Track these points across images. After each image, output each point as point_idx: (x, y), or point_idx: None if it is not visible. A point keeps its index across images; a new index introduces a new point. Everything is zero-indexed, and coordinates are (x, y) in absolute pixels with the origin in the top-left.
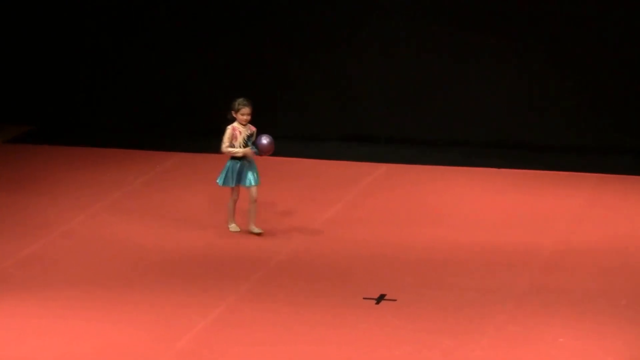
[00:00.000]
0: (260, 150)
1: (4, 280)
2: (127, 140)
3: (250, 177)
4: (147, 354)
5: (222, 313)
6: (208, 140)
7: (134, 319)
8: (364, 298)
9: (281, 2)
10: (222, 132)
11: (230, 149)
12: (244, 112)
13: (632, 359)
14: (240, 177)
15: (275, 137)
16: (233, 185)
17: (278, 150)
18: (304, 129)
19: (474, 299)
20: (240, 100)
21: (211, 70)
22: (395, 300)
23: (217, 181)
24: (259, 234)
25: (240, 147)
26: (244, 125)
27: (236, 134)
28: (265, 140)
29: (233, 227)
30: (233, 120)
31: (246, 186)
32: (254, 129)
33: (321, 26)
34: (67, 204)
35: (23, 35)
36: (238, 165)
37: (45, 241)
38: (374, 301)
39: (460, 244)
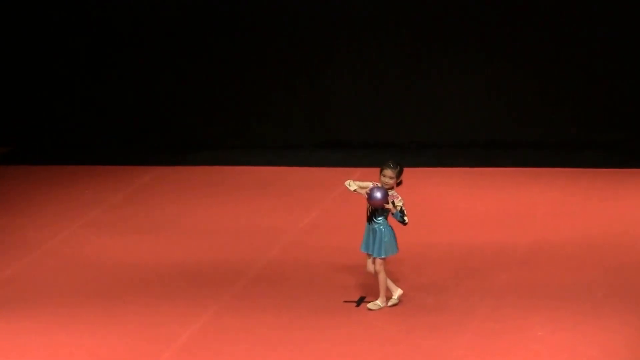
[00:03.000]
0: (369, 200)
1: None
2: (104, 157)
3: (377, 247)
4: None
5: (205, 324)
6: (184, 153)
7: (118, 334)
8: (344, 301)
9: (254, 13)
10: (197, 144)
11: (349, 182)
12: (385, 174)
13: (610, 350)
14: (368, 244)
15: (248, 147)
16: (362, 251)
17: (253, 159)
18: (277, 137)
19: (452, 298)
20: (389, 161)
21: (186, 84)
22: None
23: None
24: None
25: (368, 211)
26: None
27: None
28: (378, 193)
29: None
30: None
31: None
32: (396, 198)
33: (293, 35)
34: (47, 222)
35: None
36: (369, 228)
37: (27, 260)
38: (355, 304)
39: (436, 244)
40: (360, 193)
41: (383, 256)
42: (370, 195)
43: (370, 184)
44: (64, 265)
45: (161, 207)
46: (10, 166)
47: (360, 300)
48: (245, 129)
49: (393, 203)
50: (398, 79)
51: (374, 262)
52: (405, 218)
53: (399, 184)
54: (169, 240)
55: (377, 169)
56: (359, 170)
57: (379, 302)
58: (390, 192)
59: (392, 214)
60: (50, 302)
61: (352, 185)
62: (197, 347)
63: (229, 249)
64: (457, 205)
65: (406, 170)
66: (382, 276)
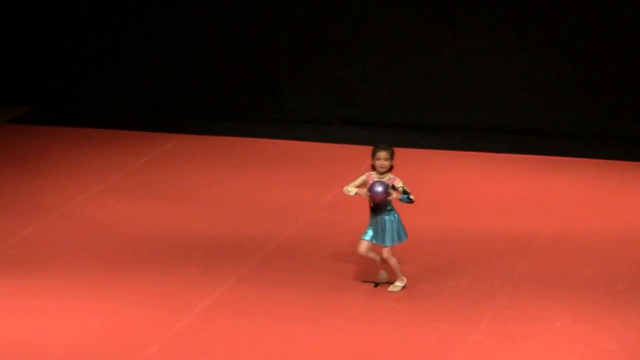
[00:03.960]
0: (372, 198)
1: (3, 260)
2: (127, 122)
3: (387, 236)
4: (147, 335)
5: (222, 294)
6: (209, 122)
7: (134, 300)
8: (363, 281)
9: None
10: (223, 114)
11: (347, 188)
12: (379, 157)
13: (629, 344)
14: (377, 235)
15: (274, 120)
16: (366, 239)
17: (277, 132)
18: (304, 112)
19: (472, 284)
20: (376, 146)
21: (216, 53)
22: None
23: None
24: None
25: (370, 204)
26: (381, 174)
27: (367, 182)
28: (379, 187)
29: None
30: (374, 168)
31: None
32: (394, 180)
33: (327, 8)
34: (67, 185)
35: (24, 16)
36: (376, 220)
37: (44, 222)
38: (373, 284)
39: (458, 229)
40: (361, 194)
41: (394, 244)
42: (371, 191)
43: (363, 177)
44: (81, 229)
45: (183, 176)
46: (32, 126)
47: (377, 284)
48: (272, 101)
49: (394, 187)
50: (430, 59)
51: (371, 248)
52: (412, 196)
53: (390, 167)
54: (189, 209)
55: (404, 149)
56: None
57: (398, 283)
58: (386, 176)
59: (400, 199)
60: (65, 265)
61: (352, 190)
62: (211, 319)
63: (248, 222)
64: (482, 190)
65: (432, 152)
66: (393, 261)
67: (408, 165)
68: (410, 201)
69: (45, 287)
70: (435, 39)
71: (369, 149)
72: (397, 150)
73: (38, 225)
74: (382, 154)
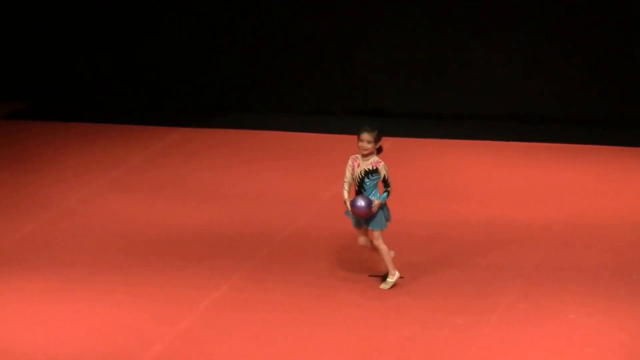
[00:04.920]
0: (354, 213)
1: (3, 259)
2: (126, 116)
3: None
4: (150, 335)
5: (225, 292)
6: (210, 115)
7: (136, 299)
8: (370, 275)
9: None
10: (225, 108)
11: (344, 190)
12: (362, 138)
13: None
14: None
15: (277, 111)
16: (354, 225)
17: (282, 124)
18: (308, 103)
19: (483, 276)
20: (363, 127)
21: (216, 44)
22: (402, 277)
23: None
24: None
25: (356, 183)
26: (365, 157)
27: (353, 166)
28: (361, 202)
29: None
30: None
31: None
32: (379, 163)
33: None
34: (66, 181)
35: (20, 11)
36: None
37: (45, 219)
38: (380, 278)
39: (468, 219)
40: (343, 197)
41: (381, 228)
42: (353, 206)
43: (349, 162)
44: (81, 225)
45: (184, 170)
46: (30, 121)
47: (386, 276)
48: (275, 92)
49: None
50: (436, 47)
51: (367, 235)
52: (389, 189)
53: (379, 150)
54: (190, 204)
55: (409, 139)
56: (390, 140)
57: (389, 279)
58: (371, 159)
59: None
60: (66, 262)
61: (344, 194)
62: (214, 317)
63: (252, 216)
64: (491, 180)
65: (441, 142)
66: (383, 248)
67: (414, 155)
68: (388, 192)
69: (46, 286)
70: (442, 24)
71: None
72: (406, 140)
73: (38, 223)
74: (365, 135)
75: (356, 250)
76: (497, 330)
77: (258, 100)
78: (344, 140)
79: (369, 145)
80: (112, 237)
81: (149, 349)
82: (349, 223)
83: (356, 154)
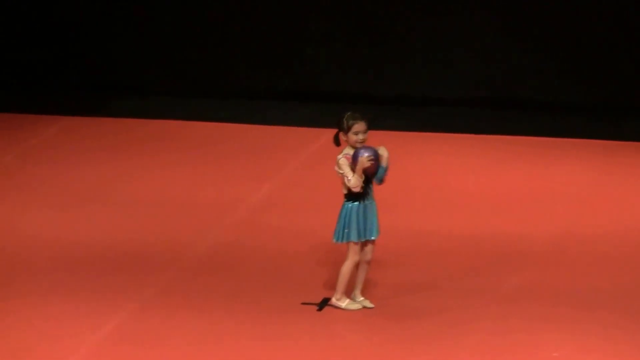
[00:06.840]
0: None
1: None
2: None
3: (375, 226)
4: None
5: (118, 326)
6: (104, 100)
7: (6, 339)
8: (302, 303)
9: None
10: (123, 91)
11: (353, 181)
12: (357, 130)
13: None
14: (366, 227)
15: (188, 95)
16: (359, 240)
17: (194, 111)
18: (227, 85)
19: (447, 303)
20: (349, 114)
21: (115, 11)
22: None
23: (334, 239)
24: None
25: (360, 188)
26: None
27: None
28: (365, 151)
29: (351, 303)
30: (339, 144)
31: (371, 239)
32: (379, 148)
33: None
34: None
35: None
36: (362, 208)
37: None
38: (316, 307)
39: (439, 233)
40: (348, 178)
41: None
42: (357, 156)
43: (345, 161)
44: None
45: (71, 170)
46: None
47: (324, 303)
48: (185, 72)
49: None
50: (390, 16)
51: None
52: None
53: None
54: (81, 214)
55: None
56: (328, 132)
57: (338, 303)
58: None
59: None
60: None
61: (357, 179)
62: (104, 355)
63: (158, 228)
64: (464, 183)
65: (397, 134)
66: (345, 268)
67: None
68: (381, 182)
69: None
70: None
71: (312, 131)
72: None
73: None
74: (362, 125)
75: (284, 269)
76: None
77: (163, 80)
78: (273, 131)
79: (365, 136)
80: None
81: None
82: (276, 236)
83: (342, 151)
